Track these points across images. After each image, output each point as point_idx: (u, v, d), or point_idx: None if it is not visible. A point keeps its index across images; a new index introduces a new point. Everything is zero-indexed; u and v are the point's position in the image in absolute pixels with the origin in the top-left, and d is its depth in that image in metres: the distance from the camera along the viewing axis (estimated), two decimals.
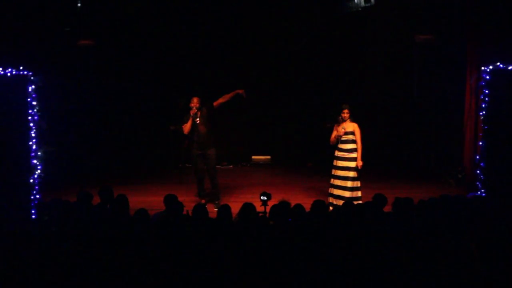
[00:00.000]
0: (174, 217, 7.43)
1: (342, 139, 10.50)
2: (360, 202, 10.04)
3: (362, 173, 10.61)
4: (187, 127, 11.12)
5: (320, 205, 7.88)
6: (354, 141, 10.49)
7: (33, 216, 9.32)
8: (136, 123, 16.20)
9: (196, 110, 11.04)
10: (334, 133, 10.63)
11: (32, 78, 9.67)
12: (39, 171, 9.78)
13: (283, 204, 7.64)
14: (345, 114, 10.53)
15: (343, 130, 10.49)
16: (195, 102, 11.07)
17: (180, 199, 8.09)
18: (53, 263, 5.90)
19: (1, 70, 9.53)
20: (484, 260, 5.88)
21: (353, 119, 10.56)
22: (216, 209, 9.68)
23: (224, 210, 7.54)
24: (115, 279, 5.70)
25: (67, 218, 7.62)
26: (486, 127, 10.77)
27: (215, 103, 11.22)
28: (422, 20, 14.38)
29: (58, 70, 13.72)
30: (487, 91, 10.75)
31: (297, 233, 6.65)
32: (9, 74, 9.51)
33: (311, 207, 7.82)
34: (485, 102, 10.80)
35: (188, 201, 10.19)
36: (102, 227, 7.04)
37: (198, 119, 11.06)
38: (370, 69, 16.04)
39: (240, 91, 11.31)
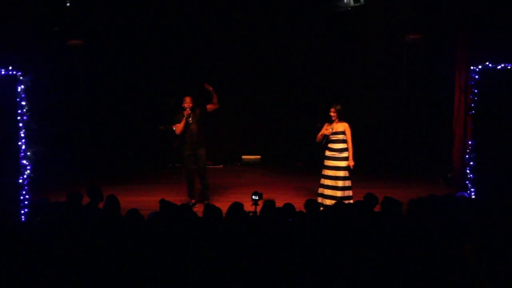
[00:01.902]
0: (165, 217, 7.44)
1: (333, 138, 10.51)
2: (351, 201, 10.06)
3: (353, 173, 10.64)
4: (179, 128, 11.11)
5: (313, 204, 7.92)
6: (344, 141, 10.50)
7: (22, 217, 9.28)
8: (126, 123, 16.16)
9: (189, 111, 11.03)
10: (322, 131, 10.63)
11: (21, 78, 9.62)
12: (28, 171, 9.73)
13: (268, 203, 7.66)
14: (331, 113, 10.55)
15: (331, 129, 10.50)
16: (188, 102, 11.06)
17: (170, 199, 8.08)
18: (44, 264, 5.89)
19: None
20: (476, 259, 5.91)
21: (344, 118, 10.57)
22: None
23: (209, 210, 7.54)
24: (107, 279, 5.70)
25: (57, 218, 7.62)
26: (475, 127, 10.80)
27: (208, 108, 11.20)
28: (411, 20, 14.41)
29: (47, 70, 13.66)
30: (476, 91, 10.78)
31: (288, 233, 6.65)
32: None
33: (305, 206, 7.85)
34: (474, 101, 10.83)
35: (178, 201, 10.16)
36: (93, 227, 7.03)
37: (190, 118, 11.05)
38: (359, 68, 16.06)
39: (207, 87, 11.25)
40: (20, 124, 9.55)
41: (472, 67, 10.95)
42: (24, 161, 9.61)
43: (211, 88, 11.24)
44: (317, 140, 10.75)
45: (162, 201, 7.88)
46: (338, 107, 10.54)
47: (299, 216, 7.47)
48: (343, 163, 10.47)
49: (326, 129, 10.56)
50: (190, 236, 6.52)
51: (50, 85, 13.83)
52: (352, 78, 16.18)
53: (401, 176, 14.41)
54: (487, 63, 10.65)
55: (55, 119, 14.21)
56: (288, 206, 7.55)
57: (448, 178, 12.96)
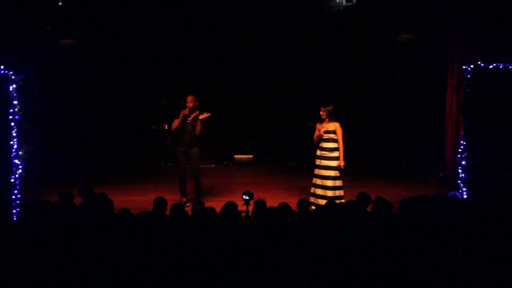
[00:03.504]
0: (155, 216, 7.44)
1: (324, 137, 10.52)
2: (343, 201, 10.05)
3: (345, 172, 10.64)
4: (175, 123, 11.10)
5: (305, 204, 7.93)
6: (335, 140, 10.50)
7: (14, 217, 9.25)
8: (118, 122, 16.13)
9: (187, 111, 11.03)
10: (317, 132, 10.65)
11: (13, 77, 9.58)
12: (20, 170, 9.70)
13: (258, 203, 7.67)
14: (321, 112, 10.56)
15: (323, 129, 10.51)
16: (188, 101, 11.06)
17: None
18: (36, 263, 5.88)
19: None
20: (468, 257, 5.94)
21: (335, 118, 10.57)
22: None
23: (201, 208, 7.55)
24: (100, 278, 5.69)
25: (49, 217, 7.60)
26: (467, 126, 10.82)
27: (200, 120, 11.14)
28: (404, 20, 14.42)
29: (39, 69, 13.63)
30: (468, 90, 10.80)
31: (282, 232, 6.66)
32: None
33: (298, 206, 7.86)
34: (466, 100, 10.86)
35: (170, 200, 10.14)
36: (85, 226, 7.03)
37: (189, 118, 11.07)
38: (352, 68, 16.06)
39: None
40: (12, 124, 9.52)
41: (464, 67, 10.97)
42: (16, 161, 9.58)
43: (204, 116, 11.10)
44: (314, 141, 10.75)
45: (157, 199, 7.90)
46: (329, 107, 10.53)
47: (292, 215, 7.48)
48: (333, 163, 10.46)
49: (319, 129, 10.57)
50: (182, 235, 6.52)
51: (42, 84, 13.81)
52: (345, 78, 16.17)
53: (394, 176, 14.43)
54: (479, 62, 10.67)
55: (47, 119, 14.18)
56: (284, 206, 7.55)
57: (440, 178, 12.98)
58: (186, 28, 15.95)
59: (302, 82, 16.43)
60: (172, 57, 16.19)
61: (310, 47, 16.13)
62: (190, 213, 8.00)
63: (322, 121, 10.60)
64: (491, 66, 10.57)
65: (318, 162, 10.63)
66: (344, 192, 10.52)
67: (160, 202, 7.86)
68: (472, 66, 10.72)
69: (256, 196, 8.42)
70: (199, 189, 11.39)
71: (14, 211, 9.29)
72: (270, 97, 16.65)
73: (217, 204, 8.32)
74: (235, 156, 16.86)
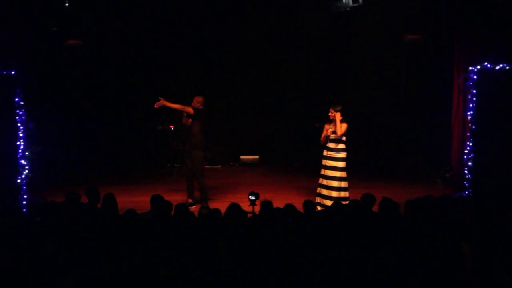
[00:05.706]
0: (161, 217, 7.44)
1: (331, 138, 10.51)
2: (347, 202, 10.02)
3: (349, 173, 10.62)
4: (174, 105, 11.15)
5: (311, 205, 7.92)
6: (341, 141, 10.48)
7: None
8: (124, 123, 16.14)
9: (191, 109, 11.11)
10: (324, 133, 10.64)
11: (19, 78, 9.62)
12: (26, 171, 9.73)
13: (265, 204, 7.67)
14: (330, 113, 10.55)
15: (330, 129, 10.50)
16: (195, 101, 11.14)
17: (167, 198, 8.08)
18: (41, 263, 5.89)
19: None
20: (475, 258, 5.92)
21: (343, 119, 10.53)
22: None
23: (205, 210, 7.56)
24: (104, 279, 5.69)
25: (55, 218, 7.61)
26: (473, 127, 10.80)
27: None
28: (410, 20, 14.41)
29: (45, 70, 13.66)
30: (474, 91, 10.78)
31: (287, 233, 6.66)
32: None
33: (303, 207, 7.85)
34: (472, 102, 10.83)
35: (177, 200, 10.14)
36: (91, 227, 7.03)
37: (190, 120, 11.13)
38: (358, 69, 16.04)
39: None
40: (18, 124, 9.55)
41: (470, 68, 10.96)
42: (23, 161, 9.61)
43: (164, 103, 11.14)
44: (321, 142, 10.74)
45: (154, 198, 7.93)
46: (338, 108, 10.53)
47: (298, 216, 7.48)
48: (340, 164, 10.45)
49: (327, 130, 10.56)
50: (186, 236, 6.52)
51: (48, 85, 13.83)
52: (350, 78, 16.16)
53: (398, 176, 14.40)
54: (486, 63, 10.66)
55: (53, 119, 14.20)
56: (289, 207, 7.54)
57: (447, 179, 12.96)
58: (192, 29, 15.95)
59: (308, 82, 16.42)
60: (178, 57, 16.19)
61: (316, 48, 16.12)
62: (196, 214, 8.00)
63: (330, 121, 10.58)
64: (497, 67, 10.56)
65: (324, 162, 10.62)
66: (349, 194, 10.50)
67: (158, 202, 7.89)
68: (478, 67, 10.71)
69: (262, 197, 8.41)
70: (203, 191, 11.38)
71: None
72: (276, 98, 16.64)
73: (223, 204, 8.32)
74: (241, 156, 16.86)
